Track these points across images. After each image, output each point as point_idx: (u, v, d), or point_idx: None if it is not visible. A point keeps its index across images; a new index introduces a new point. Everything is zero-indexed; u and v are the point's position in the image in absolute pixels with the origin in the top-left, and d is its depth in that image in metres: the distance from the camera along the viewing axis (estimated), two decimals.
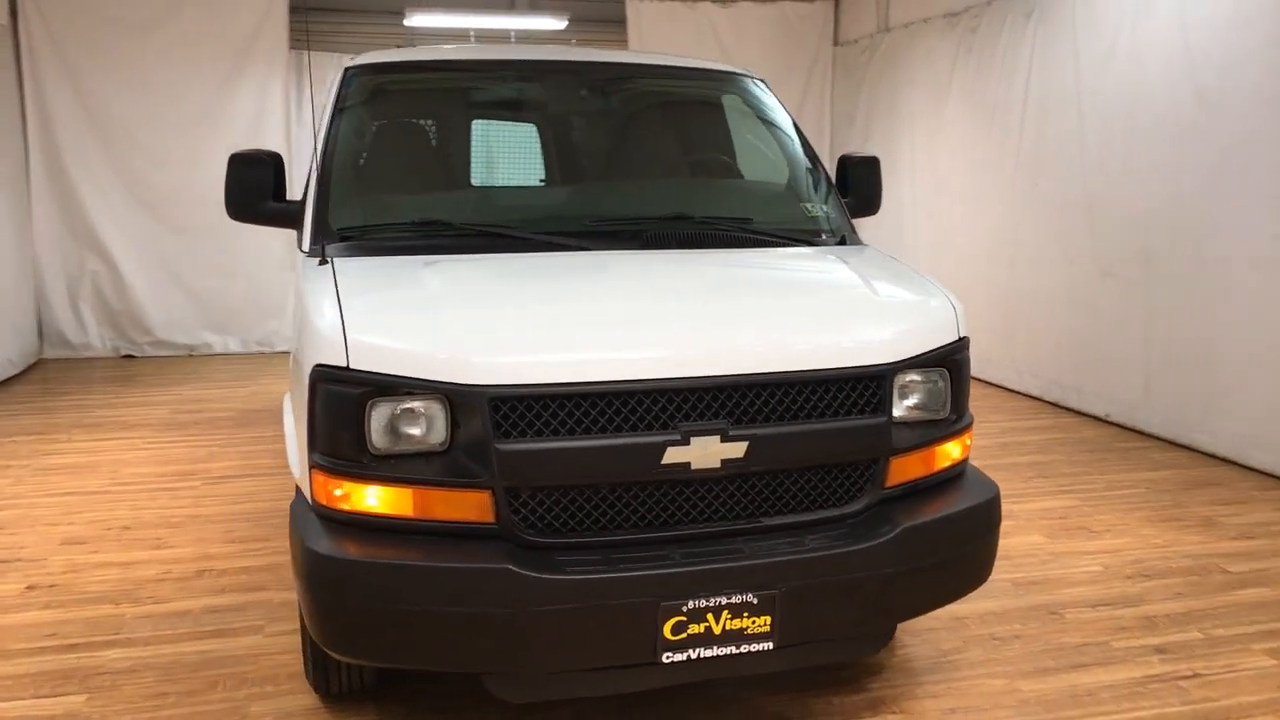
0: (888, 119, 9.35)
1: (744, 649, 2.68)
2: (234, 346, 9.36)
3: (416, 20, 8.49)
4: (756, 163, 3.90)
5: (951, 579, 2.95)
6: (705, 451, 2.65)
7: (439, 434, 2.63)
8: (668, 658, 2.63)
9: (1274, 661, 3.51)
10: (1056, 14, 7.14)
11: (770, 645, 2.70)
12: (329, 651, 2.72)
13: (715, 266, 3.20)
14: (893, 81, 9.23)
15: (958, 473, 3.10)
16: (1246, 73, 5.66)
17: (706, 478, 2.68)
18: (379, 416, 2.62)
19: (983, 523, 3.00)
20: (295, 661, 3.52)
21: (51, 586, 4.17)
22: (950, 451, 3.04)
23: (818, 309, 2.99)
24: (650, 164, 3.91)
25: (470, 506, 2.61)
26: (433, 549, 2.59)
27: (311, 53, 9.55)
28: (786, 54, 10.11)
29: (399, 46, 9.76)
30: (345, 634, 2.64)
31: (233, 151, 3.63)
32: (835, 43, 10.27)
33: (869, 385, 2.81)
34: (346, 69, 3.76)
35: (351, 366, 2.62)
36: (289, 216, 3.55)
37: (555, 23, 8.60)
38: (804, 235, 3.58)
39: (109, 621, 3.85)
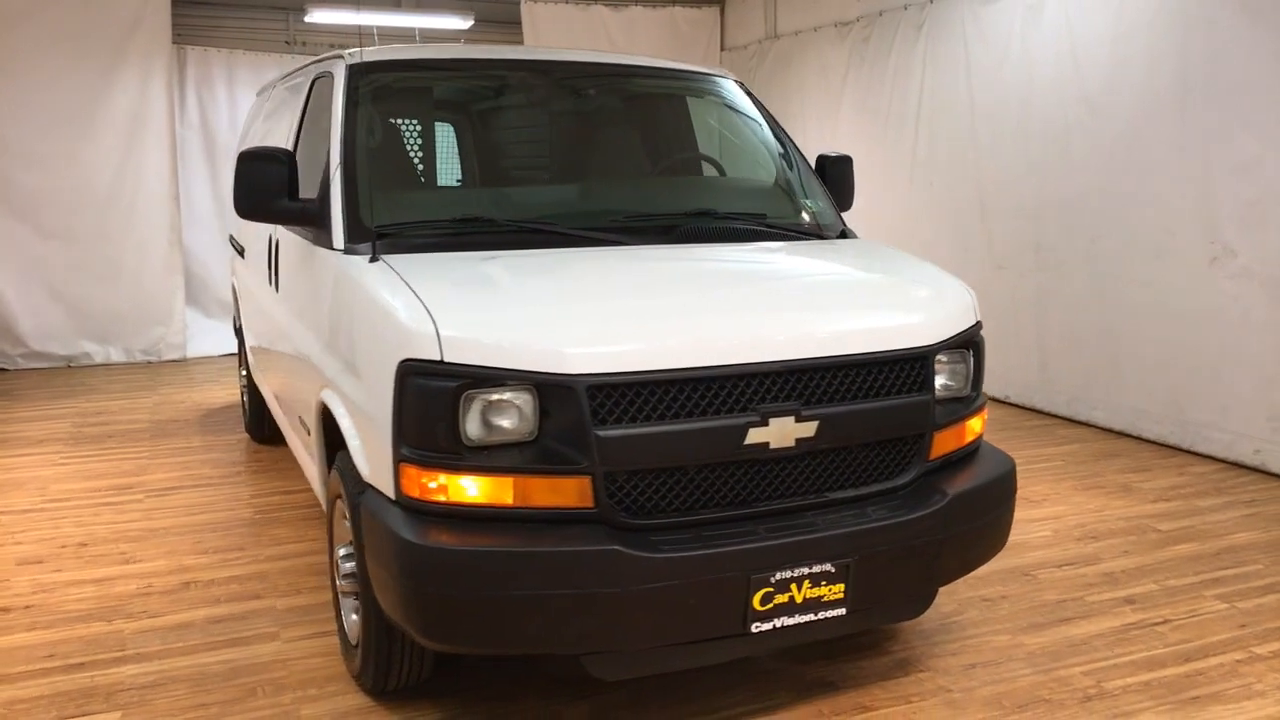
0: (780, 123, 9.72)
1: (821, 615, 2.86)
2: (116, 356, 8.88)
3: (318, 16, 8.29)
4: (752, 160, 4.09)
5: (986, 543, 3.21)
6: (782, 431, 2.82)
7: (529, 424, 2.70)
8: (756, 628, 2.79)
9: (1226, 605, 3.95)
10: (947, 26, 7.65)
11: (844, 611, 2.90)
12: (426, 642, 2.74)
13: (756, 259, 3.37)
14: (784, 87, 9.62)
15: (978, 446, 3.38)
16: (1129, 80, 6.24)
17: (781, 456, 2.85)
18: (474, 408, 2.67)
19: (1008, 490, 3.28)
20: (329, 664, 3.49)
21: (27, 608, 3.95)
22: (974, 426, 3.31)
23: (867, 296, 3.20)
24: (662, 161, 4.04)
25: (569, 492, 2.69)
26: (537, 535, 2.65)
27: (195, 48, 9.17)
28: (676, 58, 10.31)
29: (288, 44, 9.53)
30: (450, 623, 2.67)
31: (243, 149, 3.54)
32: (722, 48, 10.61)
33: (916, 365, 3.05)
34: (351, 66, 3.73)
35: (446, 360, 2.66)
36: (306, 215, 3.50)
37: (461, 22, 8.56)
38: (812, 230, 3.80)
39: (108, 638, 3.70)
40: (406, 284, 2.88)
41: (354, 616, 3.38)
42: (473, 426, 2.68)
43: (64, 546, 4.60)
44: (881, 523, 2.90)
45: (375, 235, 3.28)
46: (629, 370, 2.68)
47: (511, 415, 2.69)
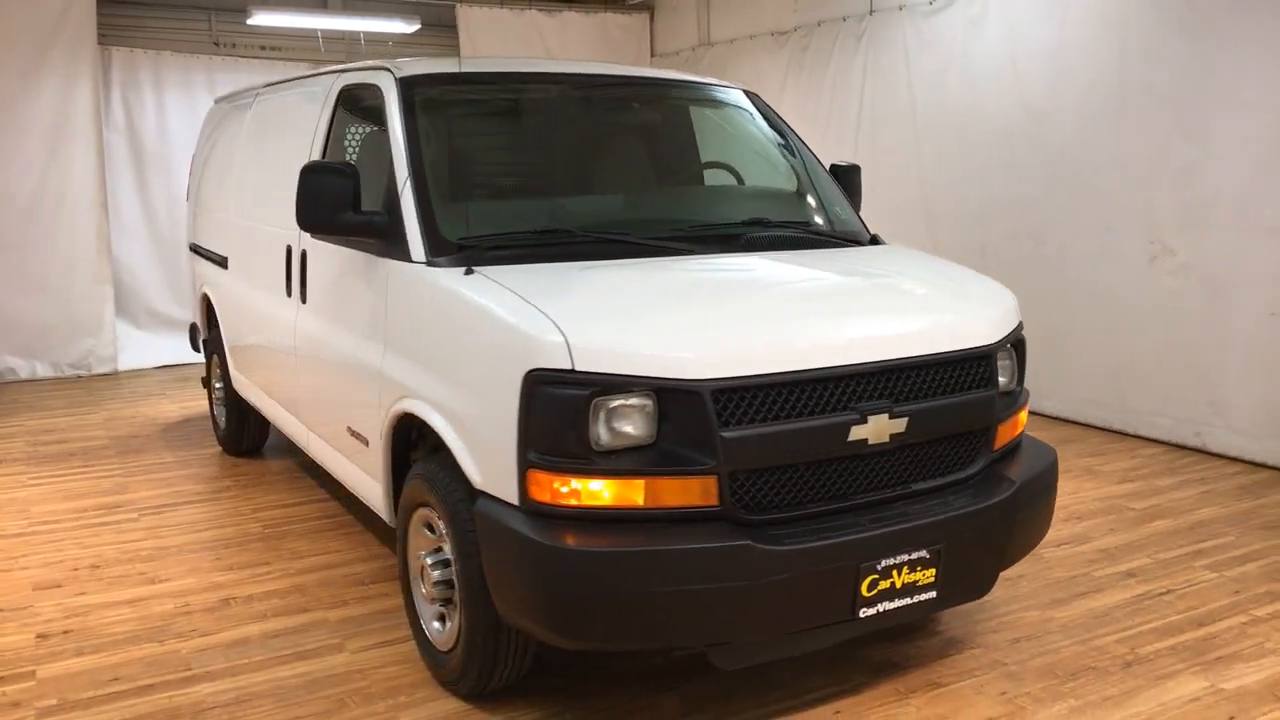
0: None
1: (916, 599, 3.07)
2: (44, 371, 8.50)
3: (260, 19, 8.12)
4: (784, 170, 4.27)
5: (1041, 526, 3.48)
6: (878, 427, 3.01)
7: (650, 428, 2.82)
8: (863, 613, 2.98)
9: (1216, 574, 4.34)
10: (887, 36, 8.01)
11: (934, 595, 3.11)
12: (557, 640, 2.84)
13: (823, 265, 3.55)
14: None
15: (1022, 437, 3.65)
16: (1070, 90, 6.69)
17: (876, 451, 3.04)
18: (603, 415, 2.78)
19: (1054, 478, 3.56)
20: (408, 671, 3.53)
21: (66, 633, 3.85)
22: (1022, 419, 3.58)
23: (937, 299, 3.43)
24: (691, 169, 4.19)
25: (696, 492, 2.82)
26: (667, 534, 2.78)
27: (120, 49, 8.84)
28: (609, 61, 10.50)
29: (216, 45, 9.27)
30: (588, 621, 2.77)
31: (306, 163, 3.53)
32: (652, 54, 10.80)
33: (984, 362, 3.29)
34: (402, 79, 3.76)
35: (577, 369, 2.76)
36: (373, 227, 3.52)
37: (406, 26, 8.50)
38: (850, 236, 4.01)
39: (168, 658, 3.64)
40: (519, 296, 2.96)
41: (436, 624, 3.43)
42: (601, 432, 2.78)
43: (76, 569, 4.46)
44: (965, 510, 3.13)
45: (456, 248, 3.35)
46: (749, 374, 2.84)
47: (636, 420, 2.81)
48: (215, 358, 6.21)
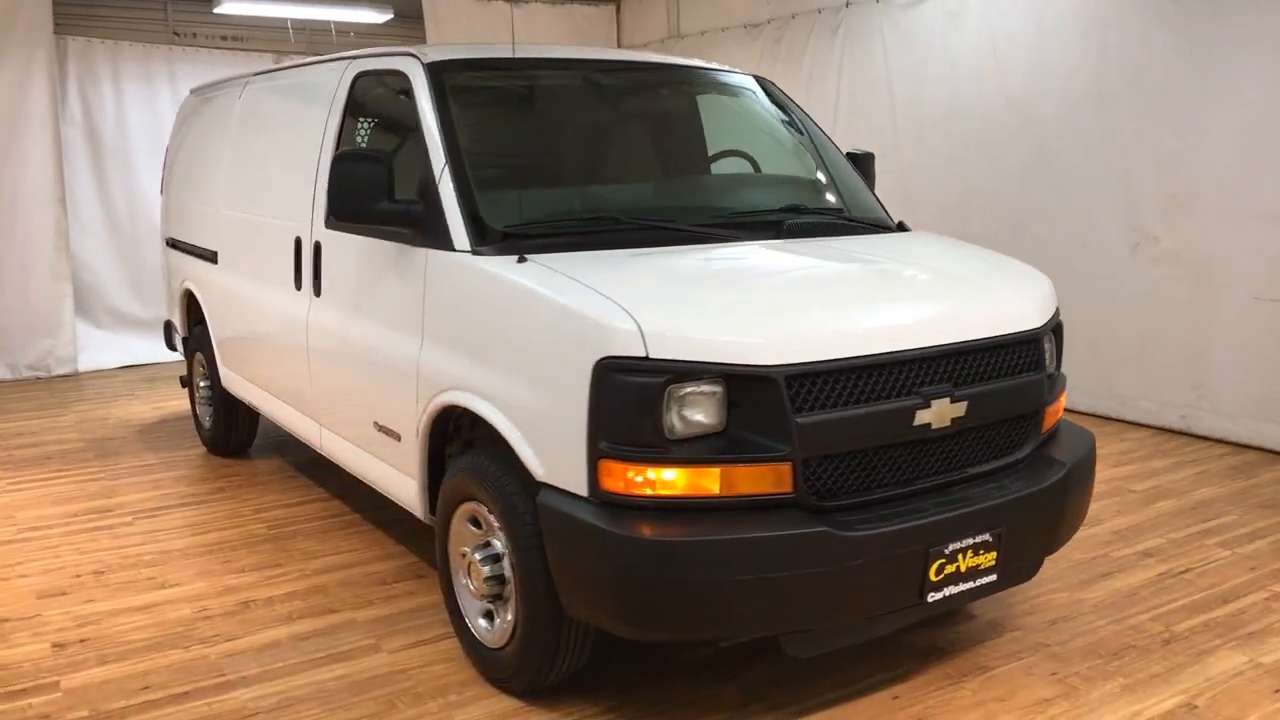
0: None
1: (978, 583, 3.08)
2: (1, 374, 8.17)
3: (229, 8, 7.89)
4: (808, 157, 4.26)
5: (1084, 509, 3.51)
6: (940, 411, 3.01)
7: (720, 415, 2.78)
8: (931, 597, 2.97)
9: (1229, 552, 4.44)
10: (865, 29, 8.06)
11: (995, 577, 3.12)
12: (633, 633, 2.79)
13: (870, 251, 3.54)
14: None
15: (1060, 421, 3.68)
16: (1051, 82, 6.80)
17: (938, 435, 3.04)
18: (676, 402, 2.73)
19: (1094, 460, 3.59)
20: (454, 670, 3.45)
21: (82, 642, 3.69)
22: (1063, 402, 3.60)
23: (988, 283, 3.43)
24: (737, 158, 4.15)
25: (769, 479, 2.78)
26: (749, 522, 2.74)
27: (77, 39, 8.53)
28: None
29: (177, 35, 9.00)
30: (664, 613, 2.73)
31: (339, 151, 3.42)
32: (619, 45, 10.73)
33: (1034, 345, 3.31)
34: (431, 64, 3.66)
35: (652, 356, 2.71)
36: (410, 217, 3.42)
37: (377, 16, 8.33)
38: (879, 223, 4.01)
39: (197, 665, 3.51)
40: (582, 283, 2.90)
41: (482, 621, 3.36)
42: (674, 420, 2.74)
43: (79, 575, 4.28)
44: (1023, 493, 3.14)
45: (501, 236, 3.27)
46: (820, 359, 2.81)
47: (707, 407, 2.77)
48: (199, 355, 6.02)
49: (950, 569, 2.99)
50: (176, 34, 9.02)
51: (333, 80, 4.33)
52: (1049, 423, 3.45)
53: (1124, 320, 6.55)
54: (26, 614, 3.92)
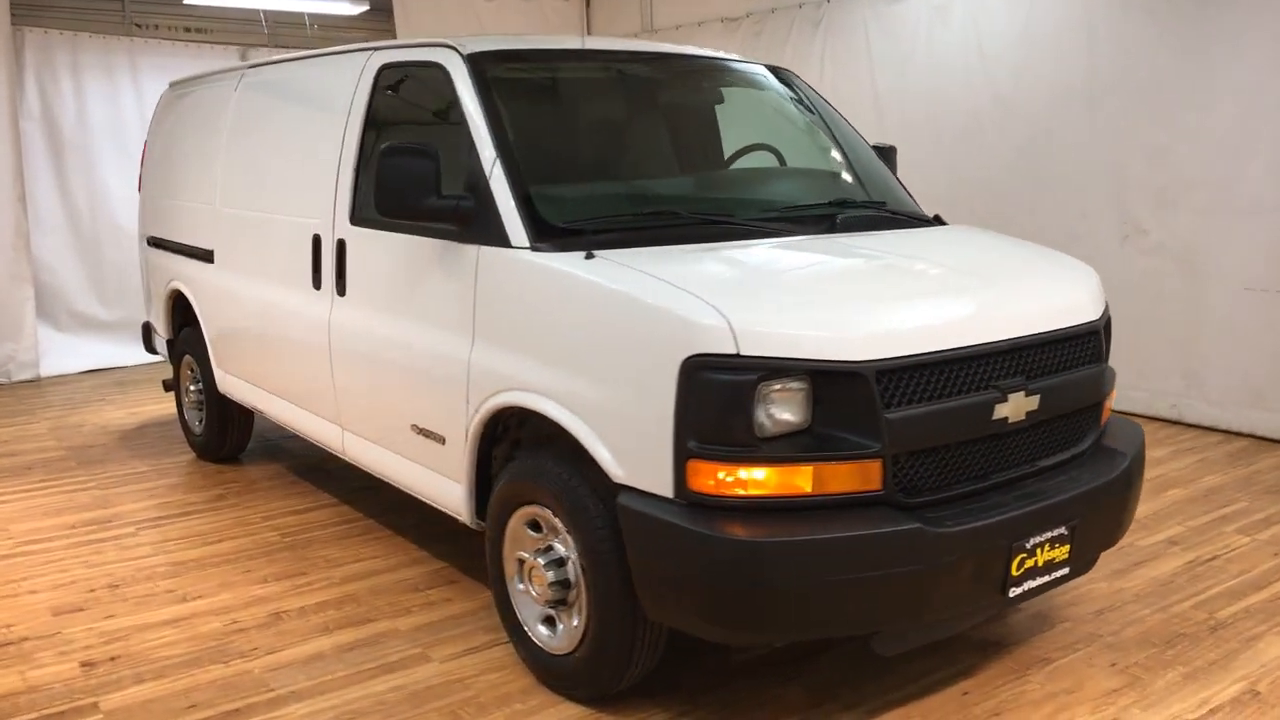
0: None
1: (1052, 576, 3.08)
2: None
3: None
4: (842, 151, 4.22)
5: (1137, 500, 3.53)
6: (1016, 405, 3.00)
7: (805, 412, 2.74)
8: (1012, 592, 2.96)
9: (1248, 538, 4.52)
10: (848, 24, 8.07)
11: (1068, 570, 3.12)
12: (722, 636, 2.75)
13: (927, 245, 3.51)
14: None
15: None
16: (1039, 77, 6.87)
17: (1013, 429, 3.03)
18: (765, 400, 2.68)
19: (1144, 453, 3.62)
20: (512, 678, 3.36)
21: (113, 660, 3.52)
22: (1114, 395, 3.62)
23: (1048, 277, 3.42)
24: (784, 152, 4.10)
25: (859, 477, 2.74)
26: (841, 520, 2.70)
27: (34, 30, 8.19)
28: None
29: (137, 25, 8.68)
30: (755, 615, 2.68)
31: (386, 144, 3.29)
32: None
33: (1095, 338, 3.32)
34: (471, 56, 3.55)
35: (742, 353, 2.65)
36: (460, 213, 3.32)
37: (352, 7, 8.12)
38: (919, 216, 3.99)
39: (241, 680, 3.37)
40: (663, 280, 2.83)
41: (543, 627, 3.27)
42: (765, 418, 2.68)
43: (93, 590, 4.10)
44: (1093, 485, 3.15)
45: (561, 233, 3.18)
46: (907, 354, 2.78)
47: (794, 404, 2.72)
48: (189, 358, 5.81)
49: (1030, 563, 2.98)
50: (136, 25, 8.70)
51: (351, 73, 4.18)
52: (1106, 414, 3.46)
53: (1114, 311, 6.58)
54: (46, 632, 3.73)
